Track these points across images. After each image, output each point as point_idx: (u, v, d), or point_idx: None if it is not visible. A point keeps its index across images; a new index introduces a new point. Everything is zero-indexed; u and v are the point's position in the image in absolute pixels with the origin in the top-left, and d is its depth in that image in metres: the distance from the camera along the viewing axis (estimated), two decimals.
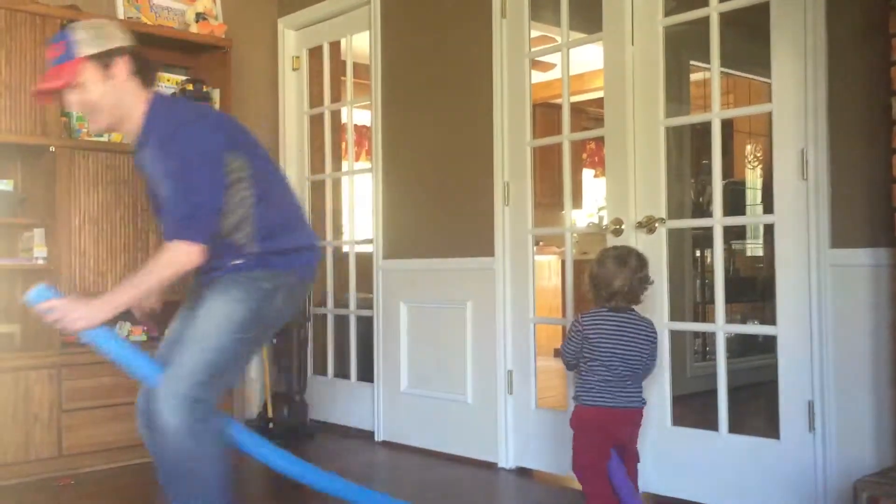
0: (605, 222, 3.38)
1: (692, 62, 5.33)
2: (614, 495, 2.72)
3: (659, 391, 3.22)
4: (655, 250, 3.20)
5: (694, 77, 5.46)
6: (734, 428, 3.09)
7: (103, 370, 3.77)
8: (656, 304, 3.17)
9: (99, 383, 3.75)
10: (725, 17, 3.13)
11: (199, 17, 4.24)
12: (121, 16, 4.14)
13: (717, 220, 3.20)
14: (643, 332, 2.78)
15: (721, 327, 3.19)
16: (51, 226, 3.69)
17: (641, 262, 2.80)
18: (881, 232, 2.60)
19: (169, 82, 4.39)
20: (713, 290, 3.24)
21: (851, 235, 2.74)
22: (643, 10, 3.26)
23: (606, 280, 2.76)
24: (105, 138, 3.91)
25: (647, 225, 3.23)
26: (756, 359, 5.16)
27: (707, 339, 5.49)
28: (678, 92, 5.39)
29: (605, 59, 3.39)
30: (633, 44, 3.27)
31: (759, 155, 7.65)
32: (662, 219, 3.23)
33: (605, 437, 2.73)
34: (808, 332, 2.84)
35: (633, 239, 3.24)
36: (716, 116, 3.14)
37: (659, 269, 3.16)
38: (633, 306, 2.81)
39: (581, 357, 2.79)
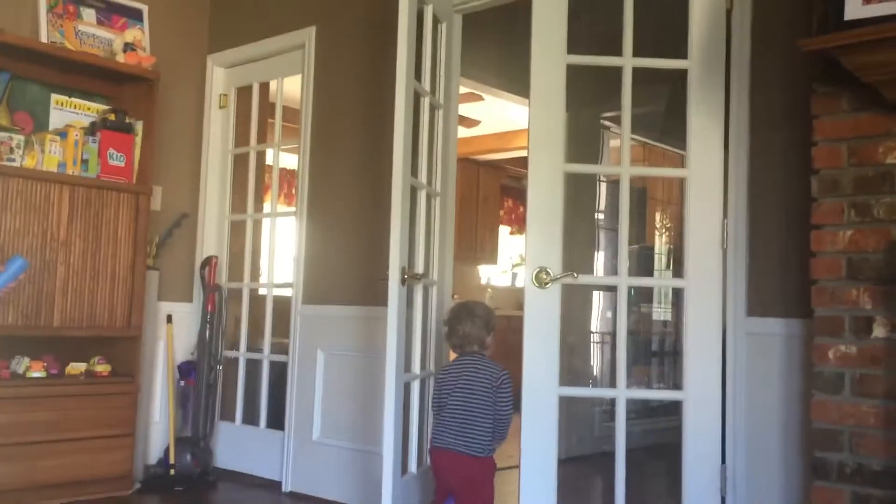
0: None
1: (610, 126, 5.51)
2: None
3: (540, 483, 2.94)
4: (547, 308, 2.97)
5: (614, 143, 5.64)
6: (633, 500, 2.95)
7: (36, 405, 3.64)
8: (545, 367, 2.96)
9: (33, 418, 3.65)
10: (645, 91, 3.13)
11: (128, 47, 4.14)
12: (44, 39, 4.01)
13: (623, 280, 3.09)
14: (483, 376, 2.88)
15: (622, 392, 2.99)
16: None
17: (452, 317, 3.01)
18: (795, 303, 2.72)
19: (89, 111, 4.26)
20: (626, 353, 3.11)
21: (767, 305, 2.85)
22: (547, 48, 3.02)
23: None
24: (17, 163, 3.74)
25: (539, 280, 2.98)
26: (661, 420, 5.25)
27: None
28: (597, 157, 5.57)
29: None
30: (538, 82, 3.03)
31: (666, 223, 7.92)
32: (548, 272, 2.96)
33: (437, 478, 2.94)
34: (718, 396, 2.89)
35: (533, 294, 2.97)
36: (625, 171, 3.05)
37: (548, 330, 2.96)
38: (477, 352, 2.95)
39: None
